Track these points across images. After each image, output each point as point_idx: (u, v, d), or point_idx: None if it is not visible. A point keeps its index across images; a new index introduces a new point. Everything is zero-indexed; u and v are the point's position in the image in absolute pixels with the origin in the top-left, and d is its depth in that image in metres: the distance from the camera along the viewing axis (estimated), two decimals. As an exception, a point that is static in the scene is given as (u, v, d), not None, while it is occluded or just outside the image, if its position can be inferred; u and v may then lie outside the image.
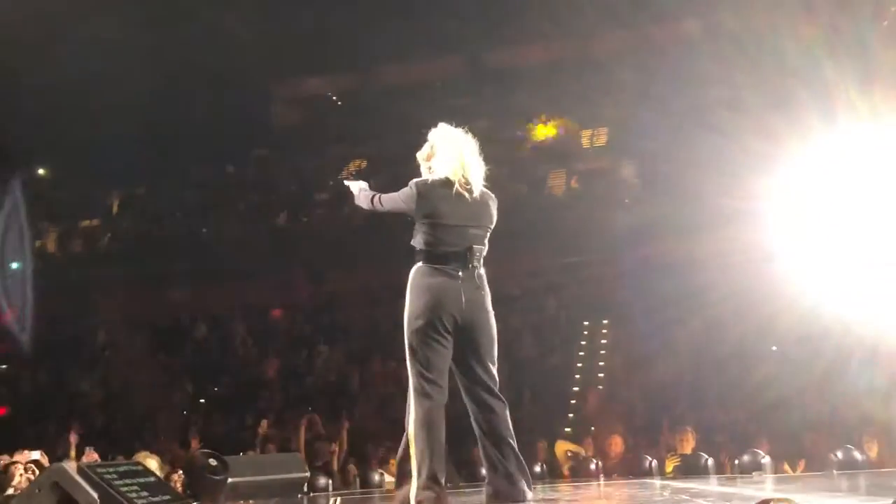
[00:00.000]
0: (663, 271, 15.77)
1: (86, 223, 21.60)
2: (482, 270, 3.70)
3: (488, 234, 3.77)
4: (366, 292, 16.90)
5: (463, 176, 3.72)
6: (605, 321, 15.03)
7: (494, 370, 3.67)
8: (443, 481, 3.56)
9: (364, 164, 21.51)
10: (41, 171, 23.69)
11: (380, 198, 3.98)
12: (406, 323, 3.68)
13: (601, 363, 13.76)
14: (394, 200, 3.86)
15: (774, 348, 12.38)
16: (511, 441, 3.68)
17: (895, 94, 17.68)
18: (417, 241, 3.76)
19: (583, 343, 14.57)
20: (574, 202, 17.36)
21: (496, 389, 3.67)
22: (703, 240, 15.63)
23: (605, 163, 19.16)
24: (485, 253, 3.73)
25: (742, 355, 12.40)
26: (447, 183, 3.71)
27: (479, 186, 3.73)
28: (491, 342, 3.67)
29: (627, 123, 20.36)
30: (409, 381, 3.68)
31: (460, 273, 3.58)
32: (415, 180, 3.81)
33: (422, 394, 3.54)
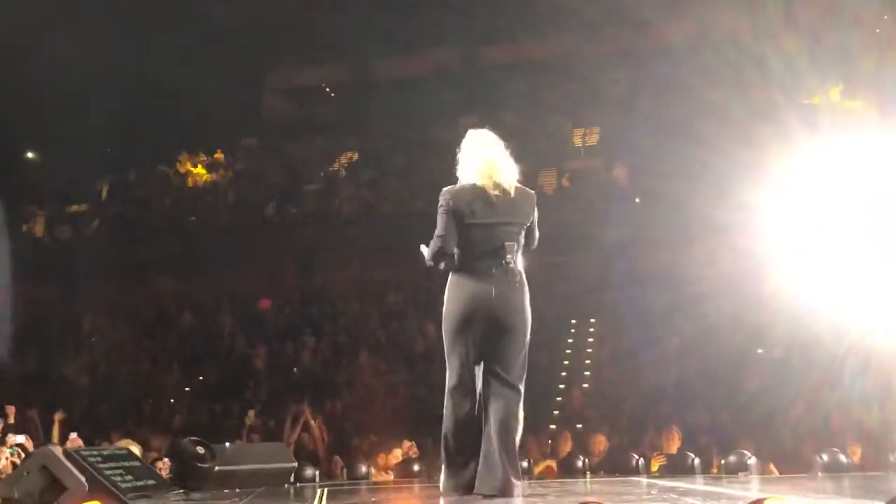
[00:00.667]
0: (652, 272, 15.85)
1: (74, 208, 21.45)
2: (520, 266, 3.78)
3: (524, 230, 3.84)
4: (354, 284, 16.89)
5: (489, 177, 3.76)
6: (592, 320, 15.08)
7: (517, 363, 3.75)
8: (467, 471, 3.69)
9: (355, 156, 21.47)
10: (30, 155, 23.53)
11: (436, 235, 3.86)
12: (443, 320, 3.82)
13: (587, 362, 13.81)
14: (439, 221, 3.84)
15: (760, 351, 12.45)
16: (512, 433, 3.72)
17: (877, 102, 17.86)
18: (458, 245, 3.81)
19: (570, 341, 14.61)
20: (564, 201, 17.37)
21: (515, 382, 3.75)
22: (693, 242, 15.71)
23: (597, 162, 19.20)
24: (520, 249, 3.80)
25: (728, 357, 12.47)
26: (473, 187, 3.78)
27: (510, 184, 3.78)
28: (519, 337, 3.74)
29: (619, 123, 20.43)
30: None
31: (493, 270, 3.68)
32: (444, 189, 3.87)
33: (452, 393, 3.74)
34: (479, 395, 3.80)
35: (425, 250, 3.92)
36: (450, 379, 3.77)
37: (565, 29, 22.77)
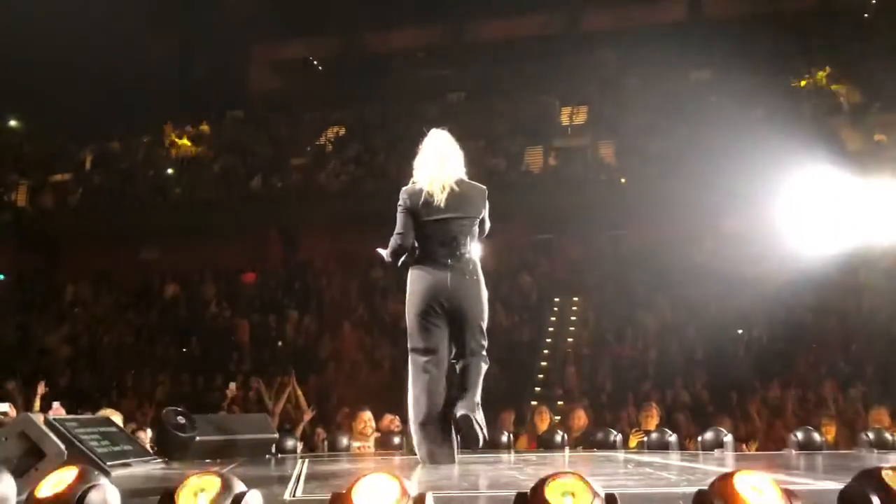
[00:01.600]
0: (636, 252, 15.95)
1: (57, 177, 21.26)
2: (473, 256, 4.09)
3: (475, 223, 4.08)
4: (338, 259, 16.87)
5: (438, 179, 3.99)
6: (575, 298, 15.15)
7: (480, 339, 4.06)
8: (442, 442, 3.96)
9: (342, 130, 21.36)
10: (13, 123, 23.25)
11: (395, 233, 4.14)
12: (406, 310, 4.11)
13: (570, 339, 13.89)
14: (398, 220, 4.10)
15: (740, 331, 12.58)
16: (475, 389, 4.02)
17: (861, 86, 17.90)
18: (415, 240, 4.09)
19: (552, 319, 14.68)
20: (550, 179, 17.39)
21: (476, 349, 4.06)
22: (677, 223, 15.80)
23: (584, 141, 19.19)
24: (473, 240, 4.08)
25: (708, 337, 12.59)
26: (424, 187, 4.03)
27: (450, 187, 3.97)
28: (477, 321, 4.05)
29: (608, 102, 20.43)
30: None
31: (449, 261, 3.98)
32: (402, 189, 4.11)
33: (421, 370, 4.01)
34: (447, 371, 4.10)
35: (383, 251, 4.20)
36: (417, 361, 4.03)
37: (554, 6, 22.69)
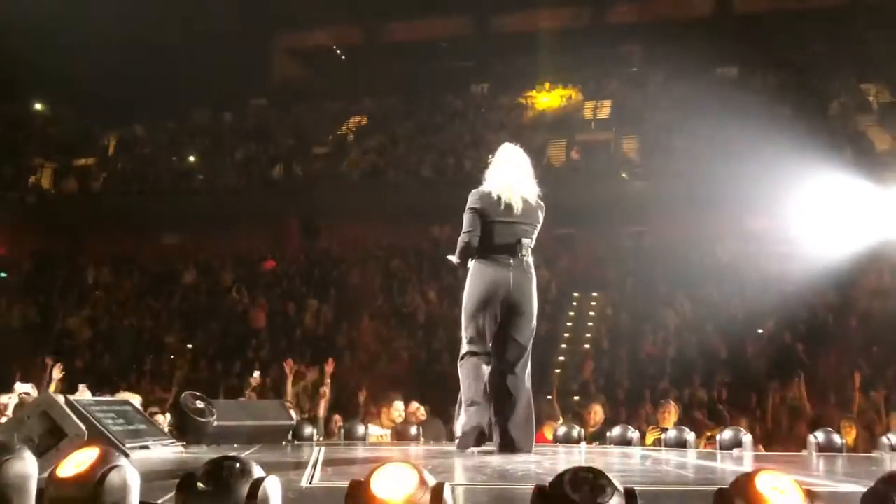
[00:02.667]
0: (657, 248, 15.86)
1: (81, 161, 21.45)
2: (530, 259, 4.33)
3: (536, 231, 4.37)
4: (358, 249, 16.91)
5: (512, 190, 4.28)
6: (594, 294, 15.10)
7: (525, 341, 4.26)
8: (481, 429, 4.15)
9: (364, 119, 21.38)
10: (38, 107, 23.45)
11: (463, 232, 4.34)
12: (463, 303, 4.32)
13: (588, 335, 13.85)
14: (467, 219, 4.31)
15: (760, 331, 12.46)
16: (521, 402, 4.22)
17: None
18: (480, 239, 4.31)
19: (571, 314, 14.64)
20: (572, 173, 17.31)
21: (522, 357, 4.26)
22: (699, 220, 15.69)
23: (607, 136, 19.08)
24: (532, 245, 4.34)
25: (728, 335, 12.51)
26: (499, 194, 4.29)
27: (523, 197, 4.28)
28: (527, 320, 4.27)
29: (632, 97, 20.29)
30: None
31: (511, 261, 4.23)
32: (473, 191, 4.34)
33: (468, 360, 4.27)
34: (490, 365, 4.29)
35: (453, 257, 4.42)
36: (468, 345, 4.28)
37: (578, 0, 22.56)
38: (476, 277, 4.26)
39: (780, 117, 17.90)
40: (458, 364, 4.33)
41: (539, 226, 4.39)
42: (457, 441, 4.23)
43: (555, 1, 22.43)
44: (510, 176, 4.31)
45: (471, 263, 4.30)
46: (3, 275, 18.46)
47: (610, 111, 20.01)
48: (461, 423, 4.22)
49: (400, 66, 23.88)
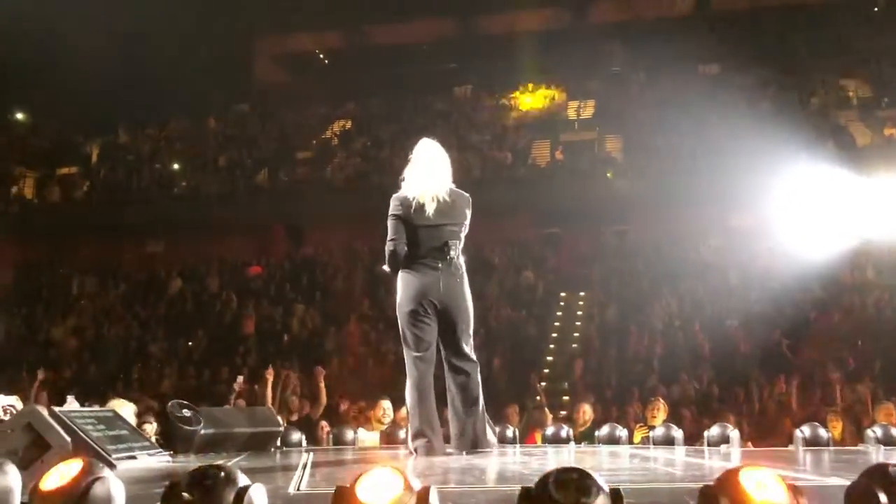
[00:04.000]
0: (642, 246, 15.92)
1: (64, 170, 21.31)
2: (460, 260, 4.27)
3: (464, 228, 4.29)
4: (344, 253, 16.89)
5: (427, 188, 4.20)
6: (581, 293, 15.14)
7: (470, 341, 4.29)
8: (433, 433, 4.17)
9: (348, 124, 21.35)
10: (19, 116, 23.29)
11: (388, 240, 4.33)
12: (397, 309, 4.32)
13: (575, 334, 13.88)
14: (390, 226, 4.30)
15: (729, 322, 12.49)
16: (479, 401, 4.24)
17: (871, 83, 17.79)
18: (407, 244, 4.28)
19: (558, 314, 14.67)
20: (557, 174, 17.35)
21: (470, 355, 4.29)
22: (683, 217, 15.77)
23: (591, 135, 19.15)
24: (461, 245, 4.27)
25: (714, 332, 12.58)
26: (416, 195, 4.24)
27: (441, 198, 4.19)
28: (467, 320, 4.26)
29: (615, 97, 20.36)
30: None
31: (440, 264, 4.18)
32: (393, 196, 4.29)
33: (412, 366, 4.24)
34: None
35: (385, 267, 4.39)
36: (409, 358, 4.26)
37: (560, 0, 22.63)
38: (403, 286, 4.25)
39: (762, 114, 18.02)
40: (406, 369, 4.30)
41: (467, 220, 4.30)
42: (413, 446, 4.19)
43: (536, 2, 22.50)
44: (426, 177, 4.23)
45: (400, 271, 4.27)
46: None
47: (593, 111, 20.09)
48: (415, 427, 4.20)
49: (382, 70, 23.85)
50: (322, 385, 8.42)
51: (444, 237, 4.18)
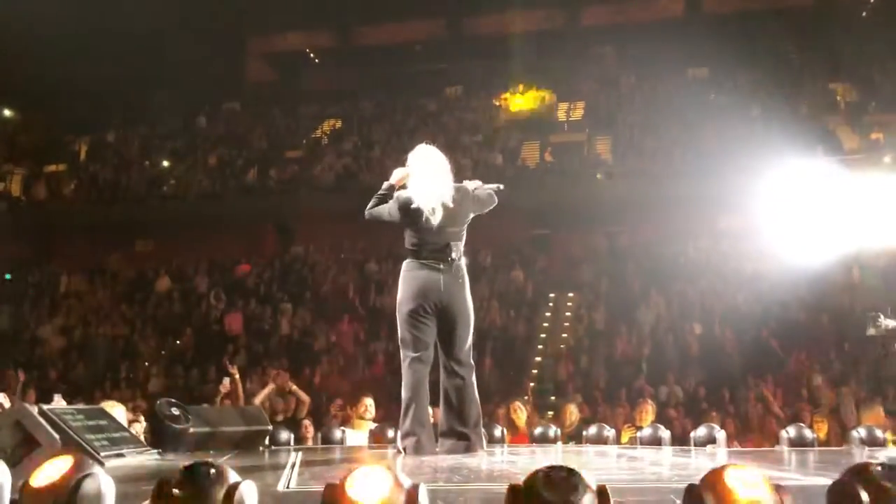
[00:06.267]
0: (631, 248, 15.98)
1: (51, 168, 21.21)
2: (462, 262, 4.30)
3: (465, 227, 4.32)
4: (334, 252, 16.87)
5: (433, 197, 4.19)
6: (570, 294, 15.18)
7: (468, 345, 4.29)
8: (423, 433, 4.18)
9: (338, 123, 21.34)
10: (7, 113, 23.17)
11: (376, 204, 4.43)
12: (397, 308, 4.30)
13: (564, 335, 13.92)
14: (382, 211, 4.36)
15: (734, 328, 12.54)
16: (474, 405, 4.26)
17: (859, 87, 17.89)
18: (406, 242, 4.32)
19: (548, 315, 14.71)
20: (547, 175, 17.39)
21: (466, 360, 4.29)
22: (672, 219, 15.84)
23: (580, 137, 19.20)
24: (462, 246, 4.30)
25: (703, 333, 12.64)
26: (421, 202, 4.23)
27: (444, 204, 4.18)
28: (465, 324, 4.27)
29: (605, 98, 20.44)
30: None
31: (441, 266, 4.20)
32: (397, 195, 4.28)
33: (409, 367, 4.24)
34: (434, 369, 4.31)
35: (394, 176, 4.41)
36: (406, 357, 4.26)
37: (553, 1, 22.68)
38: (407, 282, 4.24)
39: (751, 117, 18.15)
40: (403, 369, 4.29)
41: (470, 218, 4.33)
42: (402, 445, 4.20)
43: (527, 3, 22.54)
44: (431, 185, 4.21)
45: (403, 268, 4.29)
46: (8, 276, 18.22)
47: (583, 112, 20.14)
48: (406, 426, 4.20)
49: (373, 70, 23.86)
50: (294, 387, 8.47)
51: (447, 239, 4.21)
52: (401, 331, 4.29)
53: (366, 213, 4.43)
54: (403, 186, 4.37)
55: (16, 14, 18.95)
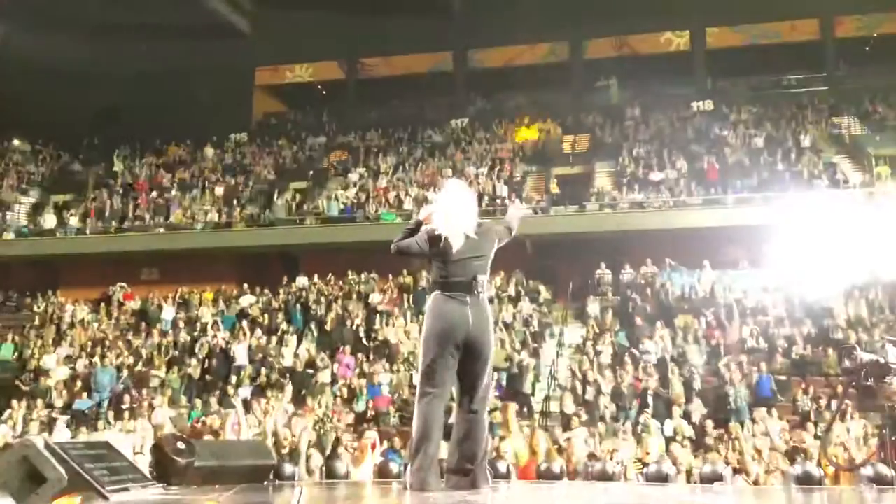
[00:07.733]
0: (635, 280, 15.95)
1: (59, 197, 21.34)
2: (486, 295, 4.30)
3: (489, 262, 4.34)
4: (338, 283, 16.87)
5: (459, 228, 4.23)
6: (576, 326, 15.14)
7: (487, 380, 4.25)
8: (431, 469, 4.11)
9: (344, 154, 21.46)
10: (16, 142, 23.37)
11: (404, 237, 4.38)
12: (422, 340, 4.26)
13: (570, 367, 13.84)
14: (410, 244, 4.34)
15: (741, 362, 12.49)
16: (483, 441, 4.21)
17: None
18: (433, 274, 4.34)
19: (553, 347, 14.64)
20: (551, 207, 17.42)
21: (484, 394, 4.26)
22: (679, 251, 15.85)
23: (585, 169, 19.28)
24: (487, 278, 4.32)
25: (708, 366, 12.59)
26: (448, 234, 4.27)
27: (468, 235, 4.24)
28: (487, 358, 4.25)
29: (610, 131, 20.55)
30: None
31: (468, 299, 4.20)
32: (425, 228, 4.31)
33: (424, 401, 4.19)
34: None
35: (394, 245, 4.38)
36: (424, 390, 4.21)
37: (558, 35, 22.92)
38: (435, 314, 4.22)
39: (755, 150, 18.24)
40: (416, 403, 4.26)
41: (494, 249, 4.37)
42: (410, 481, 4.14)
43: (533, 37, 22.79)
44: (457, 217, 4.25)
45: (430, 299, 4.29)
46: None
47: (588, 145, 20.24)
48: (417, 462, 4.14)
49: (380, 101, 24.12)
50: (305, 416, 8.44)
51: (473, 271, 4.22)
52: (423, 363, 4.24)
53: (392, 246, 4.38)
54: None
55: (25, 47, 19.24)
